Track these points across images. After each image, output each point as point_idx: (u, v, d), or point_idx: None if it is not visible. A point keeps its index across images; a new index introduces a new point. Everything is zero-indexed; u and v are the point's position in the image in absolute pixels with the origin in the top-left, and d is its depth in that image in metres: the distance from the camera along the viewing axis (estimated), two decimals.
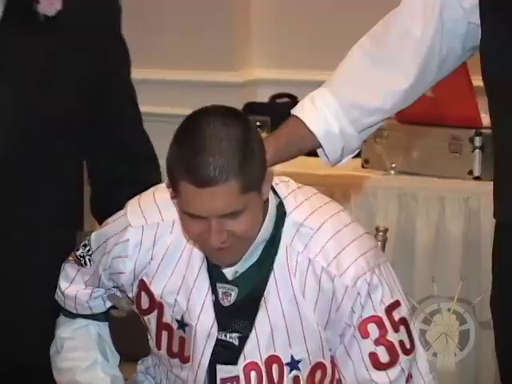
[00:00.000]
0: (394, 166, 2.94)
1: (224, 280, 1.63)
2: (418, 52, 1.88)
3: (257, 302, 1.65)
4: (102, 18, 1.94)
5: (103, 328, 1.79)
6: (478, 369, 3.01)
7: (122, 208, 1.71)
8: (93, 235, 1.74)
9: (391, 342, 1.66)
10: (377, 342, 1.65)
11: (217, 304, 1.64)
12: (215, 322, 1.64)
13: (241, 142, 1.51)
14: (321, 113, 1.87)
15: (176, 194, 1.53)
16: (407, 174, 2.95)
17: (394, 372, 1.66)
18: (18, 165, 1.82)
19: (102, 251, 1.72)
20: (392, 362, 1.67)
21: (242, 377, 1.66)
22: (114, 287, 1.75)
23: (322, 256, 1.62)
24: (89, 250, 1.74)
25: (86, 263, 1.75)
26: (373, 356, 1.66)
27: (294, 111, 1.85)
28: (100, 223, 1.90)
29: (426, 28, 1.88)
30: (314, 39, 3.84)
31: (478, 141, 2.61)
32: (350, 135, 1.86)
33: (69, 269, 1.77)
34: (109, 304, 1.77)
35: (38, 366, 1.91)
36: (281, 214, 1.65)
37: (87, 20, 1.88)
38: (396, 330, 1.66)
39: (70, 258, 1.78)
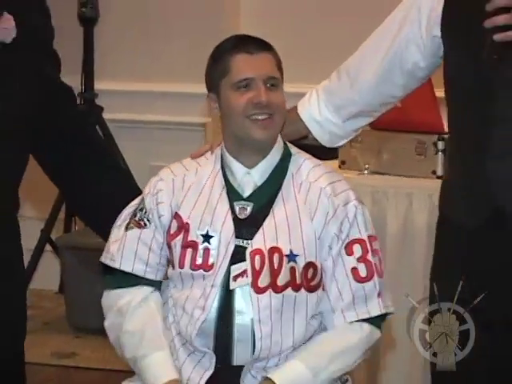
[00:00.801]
0: (367, 166, 3.09)
1: (241, 198, 1.96)
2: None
3: (267, 212, 1.96)
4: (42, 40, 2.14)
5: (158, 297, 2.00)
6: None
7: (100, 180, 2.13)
8: (144, 200, 2.01)
9: (370, 262, 1.96)
10: (359, 260, 1.95)
11: (235, 218, 1.93)
12: (234, 231, 1.92)
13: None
14: (311, 100, 2.21)
15: (224, 75, 1.93)
16: (379, 173, 3.08)
17: (368, 286, 1.95)
18: None
19: (151, 207, 1.99)
20: (369, 277, 1.95)
21: (248, 261, 1.92)
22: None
23: (321, 181, 1.97)
24: (145, 212, 2.00)
25: (145, 224, 2.00)
26: (354, 270, 1.95)
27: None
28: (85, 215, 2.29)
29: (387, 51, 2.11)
30: (303, 54, 4.08)
31: (440, 145, 2.74)
32: (334, 123, 2.17)
33: (130, 236, 1.99)
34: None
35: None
36: (288, 152, 2.00)
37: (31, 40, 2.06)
38: (374, 255, 1.96)
39: (131, 225, 2.01)
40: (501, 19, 1.80)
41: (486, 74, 1.92)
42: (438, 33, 2.00)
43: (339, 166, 3.07)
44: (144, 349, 1.94)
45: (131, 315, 1.97)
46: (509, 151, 1.94)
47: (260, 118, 1.91)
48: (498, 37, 1.80)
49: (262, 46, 1.97)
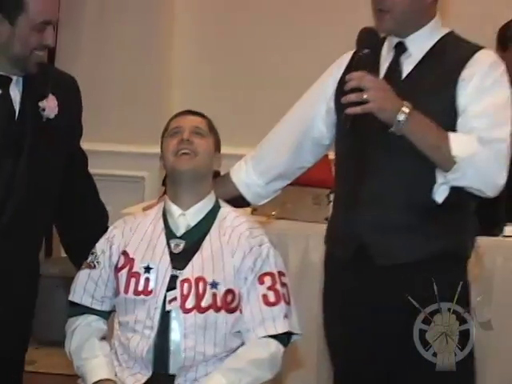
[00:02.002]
0: (273, 213, 3.41)
1: (176, 236, 2.22)
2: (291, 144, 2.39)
3: (196, 248, 2.20)
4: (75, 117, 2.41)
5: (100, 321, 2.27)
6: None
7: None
8: (96, 246, 2.27)
9: (278, 291, 2.20)
10: (269, 288, 2.20)
11: (171, 252, 2.18)
12: (170, 263, 2.16)
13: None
14: (239, 167, 2.45)
15: (164, 133, 2.25)
16: (283, 219, 3.42)
17: (276, 309, 2.19)
18: (28, 209, 2.24)
19: (103, 249, 2.25)
20: (276, 302, 2.19)
21: (178, 288, 2.15)
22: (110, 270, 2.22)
23: (242, 227, 2.23)
24: (95, 255, 2.27)
25: (94, 265, 2.27)
26: (264, 296, 2.19)
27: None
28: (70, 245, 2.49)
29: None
30: (235, 121, 4.25)
31: (331, 197, 2.83)
32: (257, 183, 2.42)
33: (82, 274, 2.25)
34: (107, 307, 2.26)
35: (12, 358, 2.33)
36: (218, 205, 2.25)
37: (70, 117, 2.35)
38: (282, 286, 2.21)
39: (83, 266, 2.27)
40: (352, 97, 2.05)
41: (352, 141, 2.18)
42: (333, 106, 2.28)
43: (252, 212, 3.30)
44: (82, 359, 2.19)
45: (74, 336, 2.24)
46: (372, 203, 2.18)
47: (183, 151, 2.19)
48: (349, 111, 2.06)
49: (195, 112, 2.30)
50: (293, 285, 2.55)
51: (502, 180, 2.12)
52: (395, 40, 2.22)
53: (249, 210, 3.11)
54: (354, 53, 2.23)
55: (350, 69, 2.17)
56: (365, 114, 2.04)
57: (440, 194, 2.16)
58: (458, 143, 2.10)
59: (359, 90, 2.04)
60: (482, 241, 2.94)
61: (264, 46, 4.48)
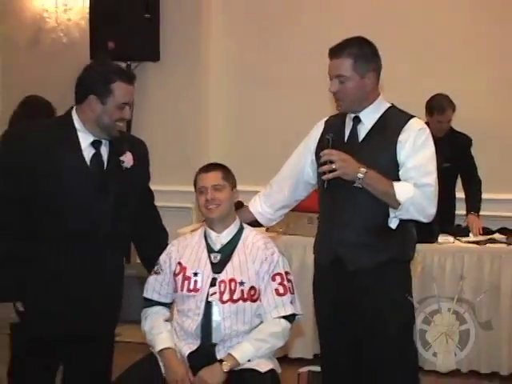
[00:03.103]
0: (281, 230, 3.97)
1: (214, 251, 2.54)
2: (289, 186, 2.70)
3: (228, 259, 2.50)
4: (145, 168, 2.69)
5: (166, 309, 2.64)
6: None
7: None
8: (160, 258, 2.61)
9: (285, 285, 2.51)
10: (279, 284, 2.50)
11: (211, 262, 2.51)
12: (211, 270, 2.50)
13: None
14: (255, 201, 2.76)
15: (196, 185, 2.51)
16: (288, 234, 3.98)
17: (284, 298, 2.50)
18: (115, 229, 2.53)
19: (165, 260, 2.60)
20: (284, 293, 2.50)
21: (217, 286, 2.45)
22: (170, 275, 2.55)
23: (259, 243, 2.54)
24: (159, 265, 2.62)
25: (159, 272, 2.63)
26: (276, 290, 2.50)
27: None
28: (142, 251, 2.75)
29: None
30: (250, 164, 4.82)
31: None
32: (268, 212, 2.75)
33: (151, 279, 2.64)
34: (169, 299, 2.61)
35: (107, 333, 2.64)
36: (241, 227, 2.58)
37: (141, 168, 2.64)
38: (288, 281, 2.53)
39: (152, 273, 2.63)
40: (325, 168, 2.41)
41: (332, 187, 2.51)
42: (314, 157, 2.61)
43: (266, 230, 3.75)
44: (152, 335, 2.56)
45: (147, 320, 2.62)
46: (343, 225, 2.48)
47: (210, 207, 2.54)
48: (324, 177, 2.43)
49: (213, 167, 2.60)
50: (295, 280, 2.70)
51: (432, 211, 2.49)
52: (352, 114, 2.58)
53: (263, 229, 3.48)
54: (322, 134, 2.62)
55: (321, 146, 2.53)
56: (334, 177, 2.41)
57: (393, 223, 2.51)
58: (400, 189, 2.43)
59: (330, 162, 2.40)
60: (423, 246, 3.62)
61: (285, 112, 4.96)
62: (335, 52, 2.49)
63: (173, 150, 5.03)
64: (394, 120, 2.51)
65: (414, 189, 2.42)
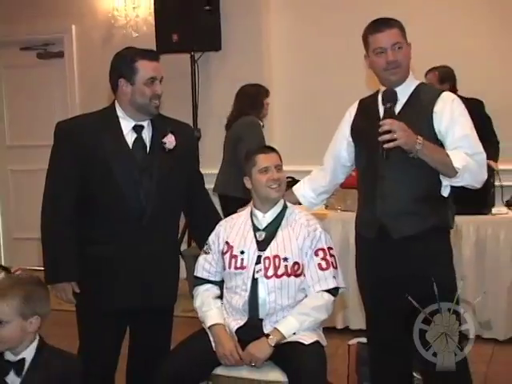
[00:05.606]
0: (339, 207, 4.04)
1: (259, 229, 2.56)
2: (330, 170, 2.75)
3: (273, 236, 2.53)
4: (190, 149, 2.74)
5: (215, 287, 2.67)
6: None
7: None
8: (209, 238, 2.65)
9: (328, 260, 2.53)
10: (321, 259, 2.52)
11: (257, 240, 2.54)
12: (256, 248, 2.53)
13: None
14: (299, 185, 2.83)
15: (253, 165, 2.54)
16: (345, 211, 3.97)
17: (327, 272, 2.52)
18: (161, 211, 2.57)
19: (213, 240, 2.63)
20: (327, 268, 2.52)
21: (262, 263, 2.47)
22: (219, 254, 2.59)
23: (302, 219, 2.57)
24: (208, 246, 2.66)
25: (208, 252, 2.67)
26: (319, 264, 2.52)
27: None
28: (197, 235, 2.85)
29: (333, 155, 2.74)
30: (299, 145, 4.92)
31: None
32: (311, 196, 2.81)
33: (201, 258, 2.69)
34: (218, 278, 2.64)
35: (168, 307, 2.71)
36: (285, 206, 2.60)
37: (186, 149, 2.67)
38: (331, 256, 2.54)
39: (201, 253, 2.67)
40: (386, 136, 2.37)
41: (373, 161, 2.53)
42: (350, 139, 2.67)
43: (325, 207, 3.91)
44: (203, 311, 2.60)
45: (199, 297, 2.66)
46: (386, 196, 2.48)
47: (274, 186, 2.57)
48: (386, 146, 2.37)
49: (273, 149, 2.63)
50: (339, 255, 2.75)
51: (485, 176, 2.51)
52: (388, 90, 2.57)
53: (323, 206, 3.50)
54: (356, 115, 2.64)
55: (368, 116, 2.55)
56: (394, 147, 2.41)
57: (446, 191, 2.53)
58: (455, 158, 2.43)
59: (389, 131, 2.38)
60: (479, 218, 3.63)
61: None
62: (387, 23, 2.53)
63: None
64: (426, 93, 2.54)
65: (467, 157, 2.44)
